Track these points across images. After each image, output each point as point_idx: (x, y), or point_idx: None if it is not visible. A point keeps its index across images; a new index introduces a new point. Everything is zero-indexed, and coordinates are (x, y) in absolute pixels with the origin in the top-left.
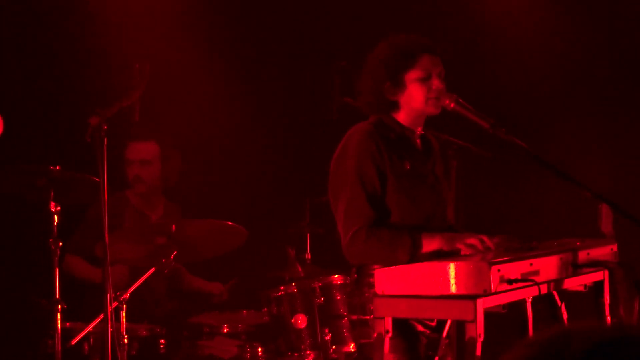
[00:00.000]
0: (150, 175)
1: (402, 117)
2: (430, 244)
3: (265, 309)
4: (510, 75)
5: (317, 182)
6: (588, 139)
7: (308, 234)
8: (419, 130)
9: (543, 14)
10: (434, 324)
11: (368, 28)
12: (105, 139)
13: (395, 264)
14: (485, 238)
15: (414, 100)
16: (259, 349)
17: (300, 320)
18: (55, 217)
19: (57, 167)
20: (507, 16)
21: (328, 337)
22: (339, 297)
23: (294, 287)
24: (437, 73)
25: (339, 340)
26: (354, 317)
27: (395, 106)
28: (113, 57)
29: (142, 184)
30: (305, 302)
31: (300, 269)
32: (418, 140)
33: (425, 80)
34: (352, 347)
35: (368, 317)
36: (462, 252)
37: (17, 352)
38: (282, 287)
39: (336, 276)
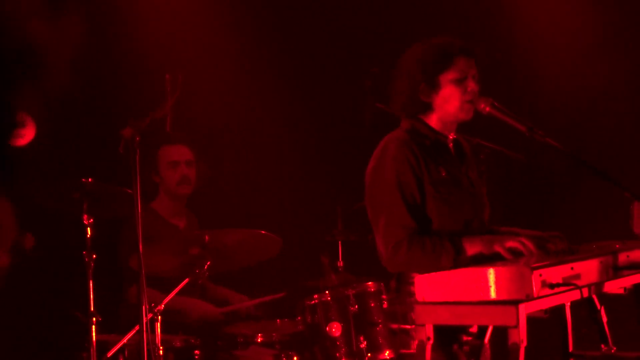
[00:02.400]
0: (193, 177)
1: (434, 121)
2: (471, 248)
3: (300, 318)
4: (544, 74)
5: (348, 189)
6: (623, 139)
7: (340, 242)
8: (452, 135)
9: (579, 13)
10: (474, 329)
11: (400, 34)
12: (138, 151)
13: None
14: (524, 240)
15: (449, 101)
16: (295, 358)
17: (335, 328)
18: (89, 229)
19: (90, 180)
20: (544, 17)
21: (363, 345)
22: (373, 305)
23: (328, 295)
24: (472, 75)
25: (374, 348)
26: (395, 325)
27: (428, 108)
28: (145, 69)
29: (189, 186)
30: (340, 310)
31: (334, 277)
32: (451, 145)
33: (460, 81)
34: (387, 354)
35: (409, 326)
36: (504, 256)
37: None
38: (316, 296)
39: (370, 283)
